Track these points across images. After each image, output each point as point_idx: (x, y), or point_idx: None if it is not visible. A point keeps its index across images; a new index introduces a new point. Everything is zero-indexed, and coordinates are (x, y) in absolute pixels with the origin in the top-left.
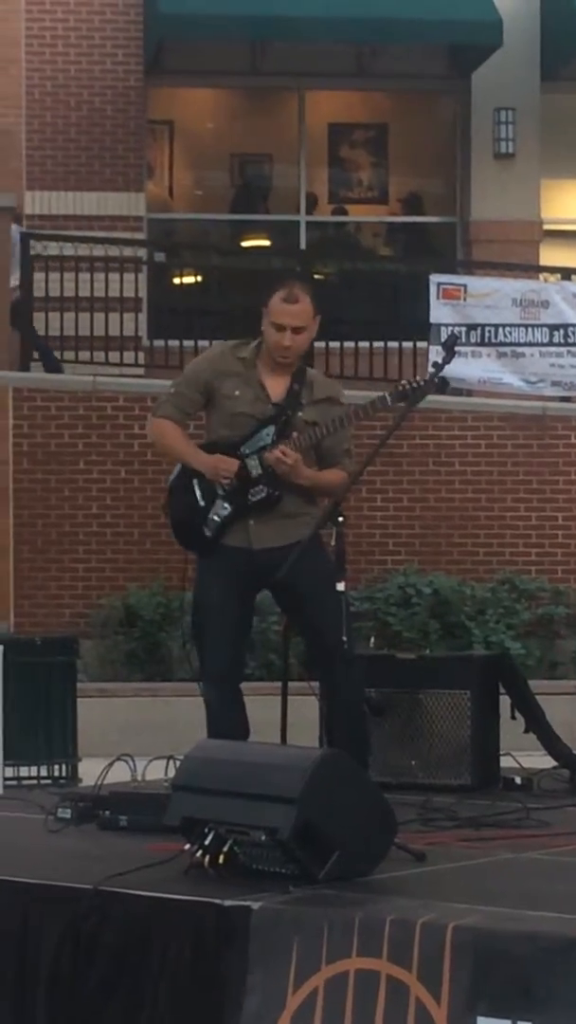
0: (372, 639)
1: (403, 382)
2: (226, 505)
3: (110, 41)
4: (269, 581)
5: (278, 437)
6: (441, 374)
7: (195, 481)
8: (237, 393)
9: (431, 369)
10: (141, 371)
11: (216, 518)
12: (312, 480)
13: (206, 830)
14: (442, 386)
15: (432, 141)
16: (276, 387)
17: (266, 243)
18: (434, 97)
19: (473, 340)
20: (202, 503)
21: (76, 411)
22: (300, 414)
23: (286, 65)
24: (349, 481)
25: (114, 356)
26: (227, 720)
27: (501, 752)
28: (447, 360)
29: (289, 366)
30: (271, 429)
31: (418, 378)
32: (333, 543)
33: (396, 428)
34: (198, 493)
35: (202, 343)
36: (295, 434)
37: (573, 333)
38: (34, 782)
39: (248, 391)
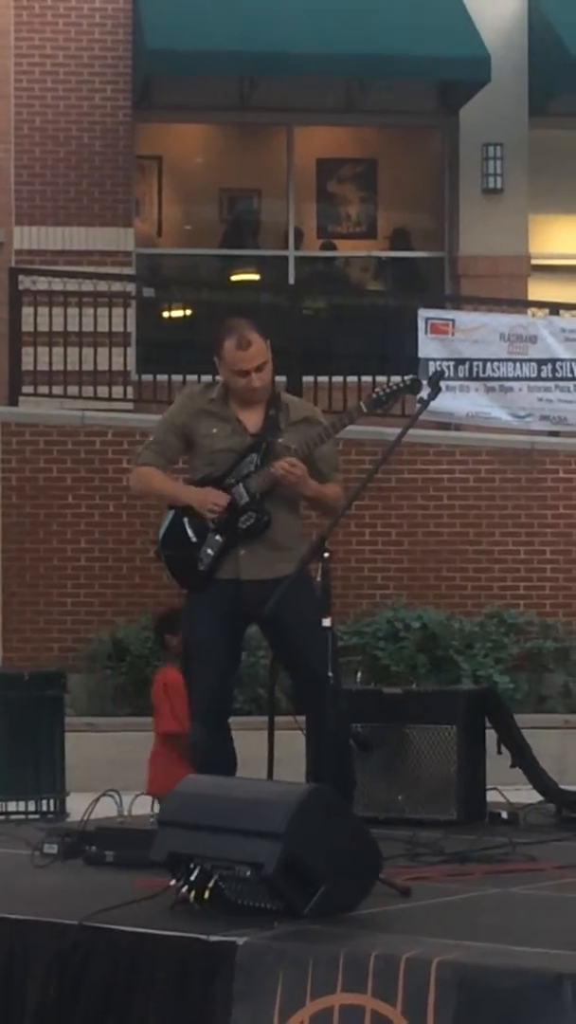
0: (359, 674)
1: (376, 390)
2: (218, 537)
3: (99, 77)
4: (256, 616)
5: (262, 463)
6: (415, 376)
7: (185, 519)
8: (215, 431)
9: (417, 405)
10: (130, 405)
11: (210, 551)
12: (317, 492)
13: (192, 865)
14: (417, 388)
15: (420, 176)
16: (251, 418)
17: (255, 278)
18: (422, 132)
19: (461, 375)
20: (194, 539)
21: (65, 446)
22: (280, 440)
23: (275, 100)
24: (346, 497)
25: (103, 391)
26: (214, 754)
27: (487, 787)
28: (432, 396)
29: (260, 400)
30: (253, 456)
31: (390, 385)
32: (319, 578)
33: (384, 461)
34: (190, 531)
35: (191, 377)
36: (293, 447)
37: (561, 368)
38: (22, 816)
39: (225, 427)
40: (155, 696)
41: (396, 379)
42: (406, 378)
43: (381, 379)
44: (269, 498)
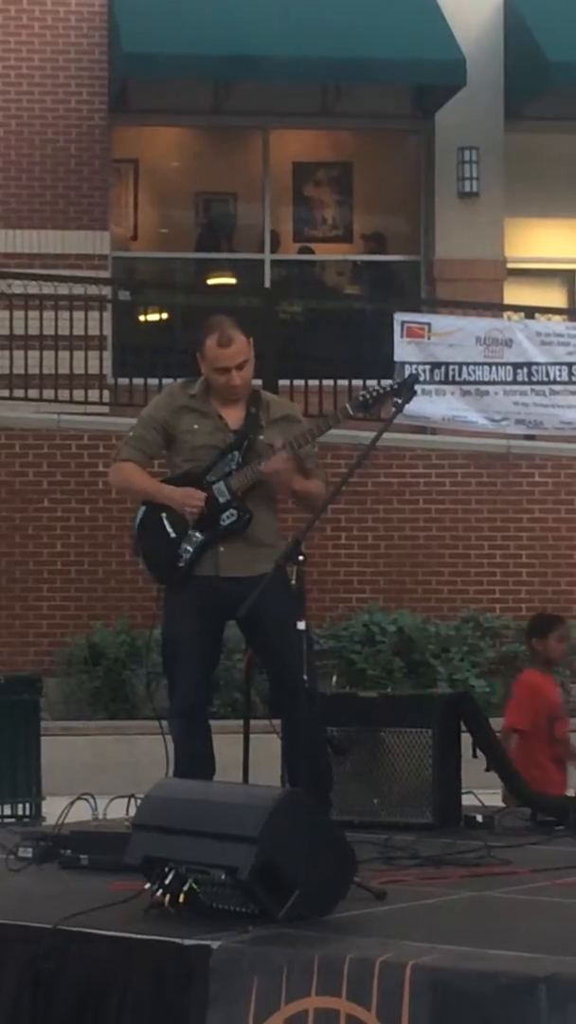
0: (335, 677)
1: (362, 392)
2: (197, 534)
3: (75, 80)
4: (234, 612)
5: (243, 461)
6: (405, 381)
7: (163, 515)
8: (196, 427)
9: (392, 409)
10: (106, 409)
11: (189, 547)
12: (303, 486)
13: (166, 869)
14: (403, 392)
15: (396, 180)
16: (233, 415)
17: (231, 281)
18: (398, 136)
19: (437, 378)
20: (173, 535)
21: (40, 449)
22: (261, 437)
23: (251, 104)
24: (312, 515)
25: (78, 394)
26: (192, 753)
27: (463, 790)
28: (407, 399)
29: (240, 398)
30: (235, 455)
31: (377, 387)
32: (294, 581)
33: (359, 465)
34: (168, 526)
35: (167, 381)
36: (280, 442)
37: (537, 371)
38: None
39: (206, 423)
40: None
41: (385, 382)
42: (394, 381)
43: (357, 383)
44: (250, 496)
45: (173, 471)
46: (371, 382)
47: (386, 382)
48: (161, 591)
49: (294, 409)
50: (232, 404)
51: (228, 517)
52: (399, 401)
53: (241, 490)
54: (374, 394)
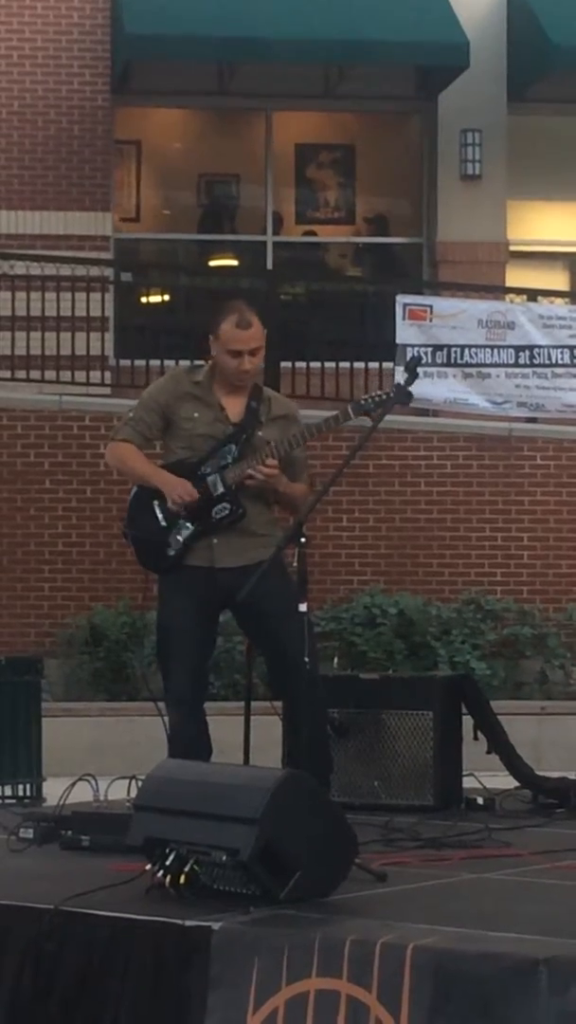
0: (336, 659)
1: (364, 396)
2: (189, 525)
3: (77, 61)
4: (231, 601)
5: (240, 455)
6: (406, 389)
7: (156, 502)
8: (196, 415)
9: (390, 392)
10: (107, 390)
11: (179, 538)
12: (287, 488)
13: (167, 850)
14: (405, 399)
15: (399, 162)
16: (234, 407)
17: (233, 263)
18: (401, 118)
19: (439, 361)
20: (164, 524)
21: (42, 430)
22: (259, 432)
23: (253, 86)
24: (314, 496)
25: (80, 375)
26: (190, 740)
27: (463, 772)
28: (409, 382)
29: (246, 386)
30: (232, 448)
31: (380, 392)
32: (296, 563)
33: (360, 447)
34: (159, 514)
35: (168, 363)
36: (272, 444)
37: (539, 354)
38: None
39: (207, 412)
40: None
41: (387, 389)
42: (402, 382)
43: (359, 365)
44: (243, 489)
45: (168, 455)
46: (360, 365)
47: (389, 388)
48: (150, 576)
49: (293, 409)
50: (235, 393)
51: (221, 511)
52: (401, 383)
53: (235, 484)
54: (377, 399)
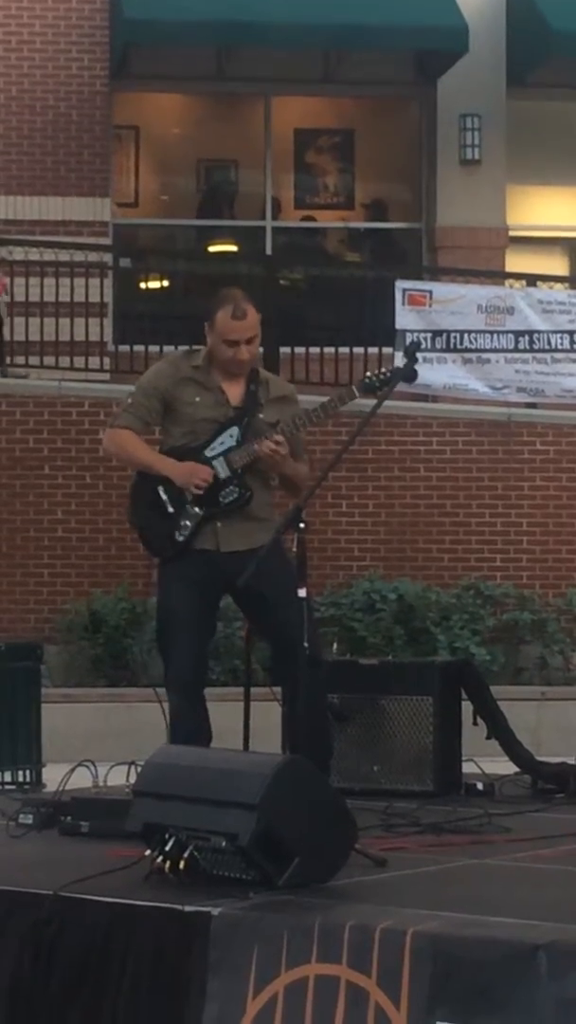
0: (335, 645)
1: (368, 374)
2: (197, 510)
3: (76, 46)
4: (232, 586)
5: (242, 438)
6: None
7: (160, 488)
8: (197, 399)
9: (393, 367)
10: (106, 376)
11: (188, 523)
12: (293, 471)
13: (167, 836)
14: (411, 376)
15: (398, 147)
16: (234, 390)
17: (232, 248)
18: (400, 103)
19: (438, 346)
20: (171, 509)
21: (41, 416)
22: (260, 415)
23: (252, 70)
24: (313, 482)
25: (79, 361)
26: (190, 725)
27: (463, 758)
28: (408, 366)
29: (243, 373)
30: (235, 431)
31: (384, 369)
32: (295, 549)
33: (361, 431)
34: (165, 499)
35: (168, 348)
36: (279, 423)
37: (538, 339)
38: None
39: (208, 396)
40: None
41: (391, 366)
42: (402, 366)
43: (358, 350)
44: (249, 472)
45: (168, 441)
46: (359, 350)
47: (392, 366)
48: (152, 561)
49: (291, 390)
50: (233, 379)
51: (229, 494)
52: (400, 367)
53: (241, 467)
54: (381, 377)
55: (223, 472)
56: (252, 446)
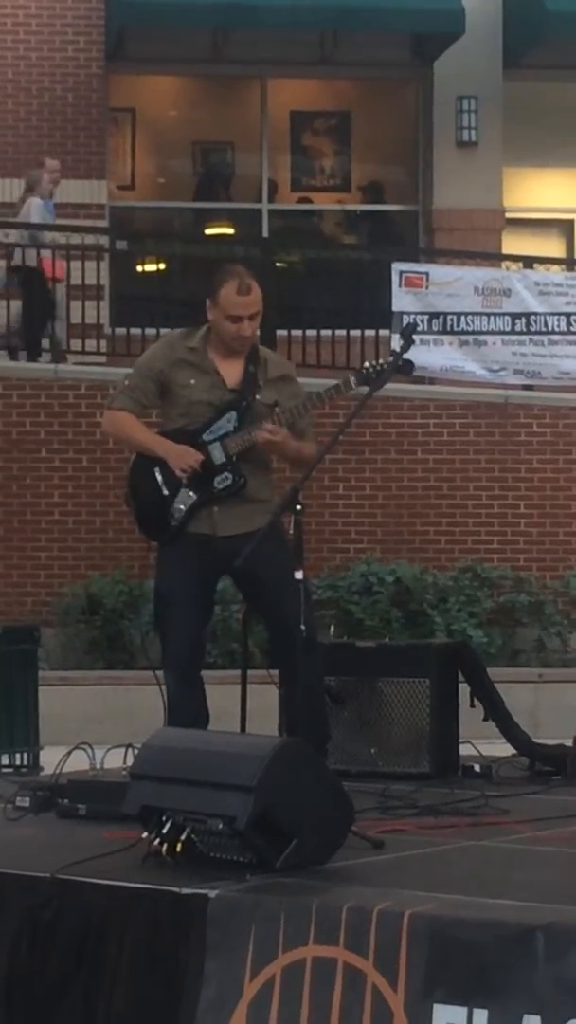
0: (332, 627)
1: (366, 364)
2: (191, 494)
3: (71, 28)
4: (230, 568)
5: (240, 423)
6: (406, 356)
7: (156, 470)
8: (192, 382)
9: (390, 358)
10: (103, 359)
11: (182, 507)
12: (297, 452)
13: (164, 818)
14: (408, 369)
15: (394, 129)
16: (231, 372)
17: (229, 231)
18: (397, 85)
19: (435, 328)
20: (166, 492)
21: (38, 399)
22: (258, 397)
23: (248, 53)
24: (309, 465)
25: (76, 344)
26: (187, 707)
27: (460, 740)
28: (405, 348)
29: (243, 350)
30: (232, 415)
31: (381, 360)
32: (291, 531)
33: (357, 414)
34: (161, 481)
35: (164, 331)
36: (277, 411)
37: (535, 321)
38: None
39: (204, 379)
40: None
41: (388, 358)
42: (399, 359)
43: (355, 333)
44: (244, 458)
45: (167, 422)
46: (356, 333)
47: (389, 357)
48: (151, 544)
49: (290, 368)
50: (232, 357)
51: (223, 480)
52: (397, 350)
53: (236, 453)
54: (378, 368)
55: (219, 457)
56: (248, 433)
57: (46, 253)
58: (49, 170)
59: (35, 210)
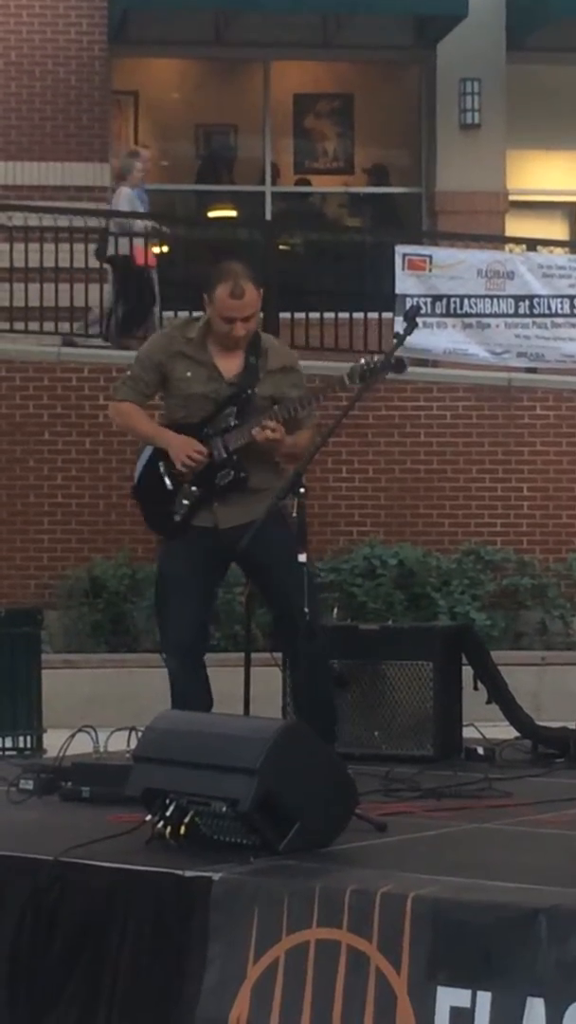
0: (335, 610)
1: (362, 361)
2: (194, 488)
3: (74, 11)
4: (234, 554)
5: (240, 417)
6: (400, 354)
7: (161, 465)
8: (189, 374)
9: (393, 341)
10: (106, 342)
11: (185, 501)
12: (292, 447)
13: (167, 801)
14: (400, 367)
15: (397, 112)
16: (229, 364)
17: (231, 214)
18: (400, 67)
19: (438, 311)
20: (170, 487)
21: (41, 382)
22: (257, 390)
23: (251, 35)
24: (313, 447)
25: (79, 327)
26: (190, 691)
27: (464, 723)
28: (408, 331)
29: (238, 348)
30: (232, 410)
31: (376, 357)
32: (295, 514)
33: (357, 400)
34: (165, 478)
35: (167, 314)
36: (276, 407)
37: (538, 304)
38: None
39: (200, 371)
40: None
41: (383, 355)
42: (391, 358)
43: (358, 315)
44: (246, 451)
45: (168, 413)
46: (359, 316)
47: (384, 354)
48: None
49: (293, 358)
50: (231, 351)
51: (224, 477)
52: (400, 332)
53: (236, 449)
54: (373, 366)
55: (219, 453)
56: (248, 430)
57: (138, 241)
58: (143, 160)
59: (124, 199)
